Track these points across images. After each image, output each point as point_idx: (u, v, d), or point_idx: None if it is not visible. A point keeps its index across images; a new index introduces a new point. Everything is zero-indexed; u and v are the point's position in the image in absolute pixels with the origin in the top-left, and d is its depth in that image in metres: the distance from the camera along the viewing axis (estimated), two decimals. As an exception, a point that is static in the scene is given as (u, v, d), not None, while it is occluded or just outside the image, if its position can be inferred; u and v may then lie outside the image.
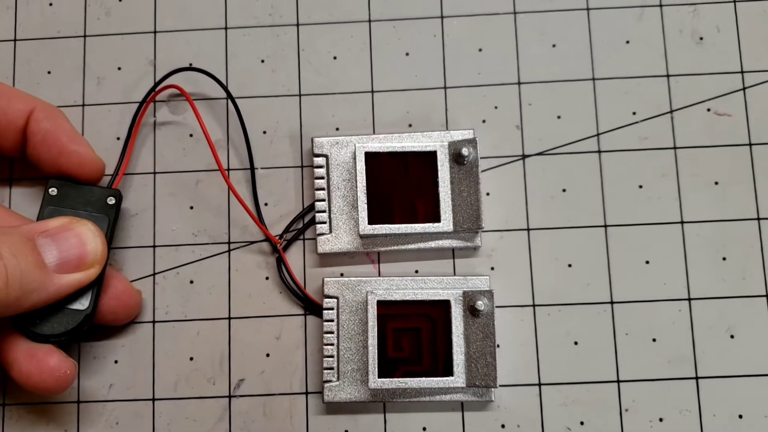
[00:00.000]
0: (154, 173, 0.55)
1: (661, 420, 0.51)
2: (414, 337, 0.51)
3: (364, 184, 0.51)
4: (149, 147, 0.56)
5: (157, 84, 0.55)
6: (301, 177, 0.55)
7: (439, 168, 0.52)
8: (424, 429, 0.52)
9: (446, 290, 0.51)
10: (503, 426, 0.51)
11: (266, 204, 0.55)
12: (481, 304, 0.49)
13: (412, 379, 0.49)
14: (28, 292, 0.44)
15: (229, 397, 0.52)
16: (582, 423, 0.51)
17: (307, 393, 0.52)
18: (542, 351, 0.52)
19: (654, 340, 0.52)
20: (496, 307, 0.52)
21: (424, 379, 0.49)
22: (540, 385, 0.52)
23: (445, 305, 0.51)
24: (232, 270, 0.54)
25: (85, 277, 0.47)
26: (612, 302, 0.53)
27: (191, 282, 0.54)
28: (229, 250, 0.54)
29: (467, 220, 0.51)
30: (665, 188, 0.54)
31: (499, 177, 0.54)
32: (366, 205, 0.51)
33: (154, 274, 0.54)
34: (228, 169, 0.55)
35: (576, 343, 0.52)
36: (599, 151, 0.54)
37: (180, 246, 0.54)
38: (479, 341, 0.50)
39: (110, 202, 0.51)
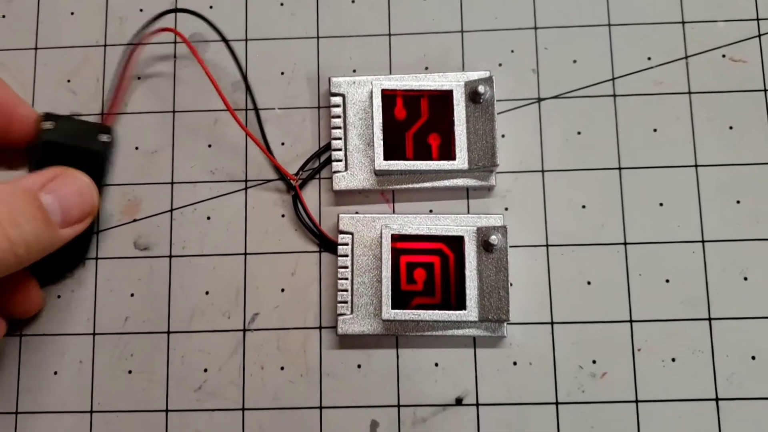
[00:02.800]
0: (174, 112, 0.56)
1: (673, 360, 0.51)
2: (427, 272, 0.51)
3: (381, 121, 0.52)
4: (169, 85, 0.56)
5: (146, 26, 0.55)
6: (318, 118, 0.56)
7: (455, 107, 0.52)
8: (437, 364, 0.52)
9: (460, 227, 0.51)
10: (515, 363, 0.52)
11: (283, 144, 0.55)
12: (494, 239, 0.50)
13: (425, 311, 0.50)
14: (40, 251, 0.46)
15: (244, 330, 0.53)
16: (594, 362, 0.51)
17: (320, 328, 0.53)
18: (555, 290, 0.52)
19: (667, 281, 0.52)
20: (510, 246, 0.53)
21: (436, 311, 0.50)
22: (552, 323, 0.52)
23: (458, 241, 0.51)
24: (249, 207, 0.55)
25: (83, 226, 0.50)
26: (625, 243, 0.53)
27: (208, 218, 0.55)
28: (246, 188, 0.55)
29: (482, 157, 0.51)
30: (679, 132, 0.54)
31: (514, 120, 0.55)
32: (382, 142, 0.52)
33: (171, 210, 0.55)
34: (246, 109, 0.56)
35: (589, 283, 0.52)
36: (614, 95, 0.55)
37: (198, 183, 0.55)
38: (492, 276, 0.50)
39: (103, 139, 0.53)
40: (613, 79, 0.55)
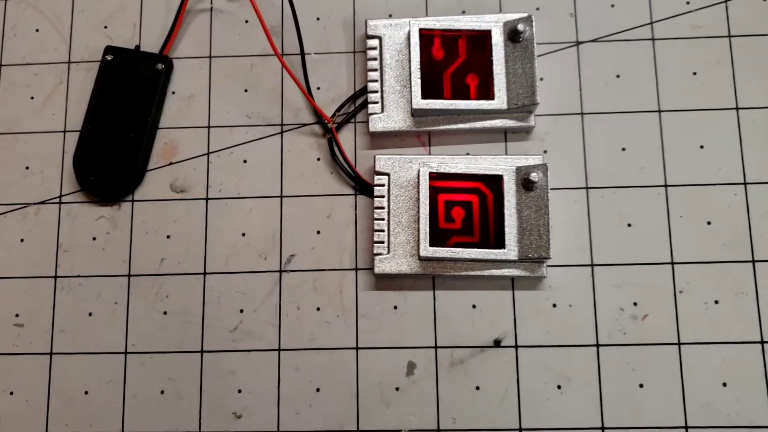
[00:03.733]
0: (210, 57, 0.56)
1: (716, 302, 0.50)
2: (466, 210, 0.50)
3: (418, 60, 0.52)
4: (206, 32, 0.57)
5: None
6: (354, 62, 0.56)
7: (494, 46, 0.52)
8: (474, 306, 0.51)
9: (499, 166, 0.51)
10: (554, 305, 0.51)
11: (318, 88, 0.55)
12: (535, 176, 0.49)
13: (463, 249, 0.49)
14: None
15: (280, 272, 0.53)
16: (635, 304, 0.51)
17: (356, 269, 0.52)
18: (595, 232, 0.52)
19: (709, 223, 0.51)
20: (549, 189, 0.52)
21: (475, 249, 0.49)
22: (593, 265, 0.51)
23: (497, 180, 0.50)
24: (285, 151, 0.54)
25: None
26: (666, 185, 0.52)
27: (245, 161, 0.54)
28: (282, 132, 0.55)
29: (522, 96, 0.51)
30: (720, 76, 0.53)
31: (553, 63, 0.54)
32: (420, 81, 0.51)
33: (208, 153, 0.55)
34: (282, 54, 0.56)
35: (629, 225, 0.52)
36: (653, 39, 0.54)
37: (234, 127, 0.55)
38: (532, 214, 0.49)
39: (159, 68, 0.55)
40: (652, 23, 0.54)
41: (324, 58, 0.56)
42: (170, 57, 0.56)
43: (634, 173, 0.52)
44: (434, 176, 0.50)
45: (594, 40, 0.54)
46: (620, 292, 0.51)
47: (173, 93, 0.56)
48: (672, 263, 0.51)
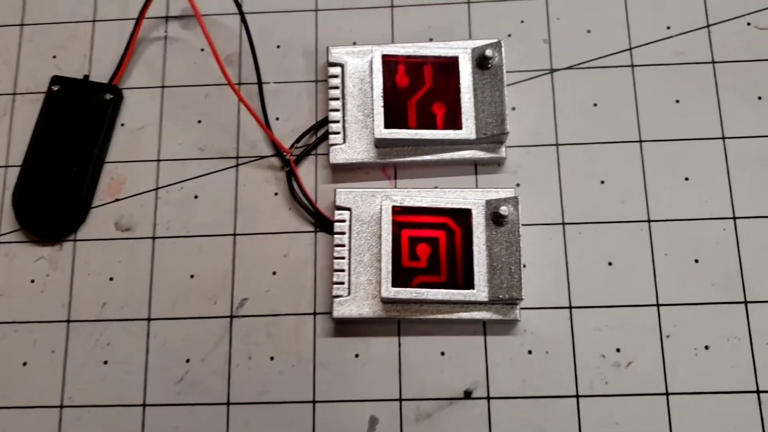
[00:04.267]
0: (162, 87, 0.53)
1: (706, 348, 0.46)
2: (432, 247, 0.46)
3: (381, 87, 0.48)
4: (159, 60, 0.53)
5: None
6: (315, 92, 0.52)
7: (461, 73, 0.49)
8: (443, 353, 0.47)
9: (467, 200, 0.47)
10: (530, 352, 0.47)
11: (277, 119, 0.52)
12: (505, 209, 0.45)
13: (428, 290, 0.45)
14: None
15: (231, 317, 0.48)
16: (618, 350, 0.46)
17: (315, 314, 0.48)
18: (573, 272, 0.48)
19: (696, 261, 0.47)
20: (522, 225, 0.48)
21: (441, 290, 0.45)
22: (571, 308, 0.47)
23: (465, 214, 0.47)
24: (240, 185, 0.51)
25: None
26: (649, 220, 0.48)
27: (196, 197, 0.51)
28: (237, 165, 0.51)
29: (491, 126, 0.48)
30: (704, 103, 0.50)
31: (525, 91, 0.51)
32: (382, 109, 0.48)
33: (156, 189, 0.51)
34: (239, 84, 0.53)
35: (610, 264, 0.48)
36: (632, 65, 0.51)
37: (186, 160, 0.51)
38: (503, 251, 0.45)
39: (108, 98, 0.51)
40: (631, 49, 0.51)
41: (284, 87, 0.52)
42: (120, 87, 0.53)
43: (614, 207, 0.49)
44: (398, 210, 0.47)
45: (569, 68, 0.51)
46: (601, 337, 0.46)
47: (122, 125, 0.52)
48: (657, 305, 0.47)
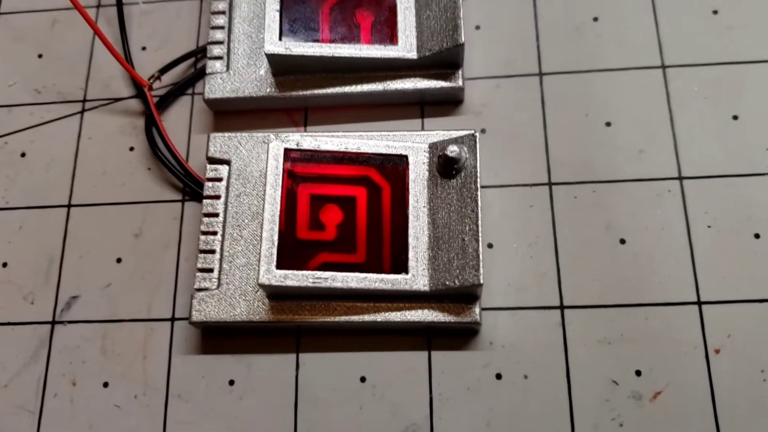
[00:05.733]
0: (-5, 12, 0.39)
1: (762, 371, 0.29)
2: (345, 211, 0.30)
3: (278, -15, 0.33)
4: (-9, -23, 0.39)
5: None
6: (200, 11, 0.37)
7: (396, -36, 0.34)
8: (363, 379, 0.30)
9: (401, 143, 0.31)
10: (499, 376, 0.30)
11: (144, 48, 0.37)
12: (455, 150, 0.29)
13: (336, 273, 0.29)
14: None
15: (53, 323, 0.32)
16: (638, 373, 0.29)
17: (173, 320, 0.32)
18: (565, 252, 0.31)
19: (757, 236, 0.31)
20: (487, 187, 0.32)
21: (356, 274, 0.29)
22: (563, 307, 0.30)
23: (398, 163, 0.31)
24: (84, 137, 0.35)
25: None
26: (680, 177, 0.32)
27: (22, 155, 0.35)
28: (82, 111, 0.36)
29: (439, 37, 0.32)
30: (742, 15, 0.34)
31: (493, 3, 0.36)
32: (278, 14, 0.33)
33: (-33, 144, 0.36)
34: (99, 6, 0.38)
35: (623, 241, 0.31)
36: (648, -36, 0.36)
37: (14, 107, 0.36)
38: (453, 216, 0.29)
39: None
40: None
41: (157, 7, 0.38)
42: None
43: (628, 160, 0.32)
44: (294, 157, 0.31)
45: (557, -32, 0.36)
46: (612, 353, 0.29)
47: (-67, 61, 0.38)
48: (698, 302, 0.30)
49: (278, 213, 0.29)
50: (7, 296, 0.33)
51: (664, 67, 0.34)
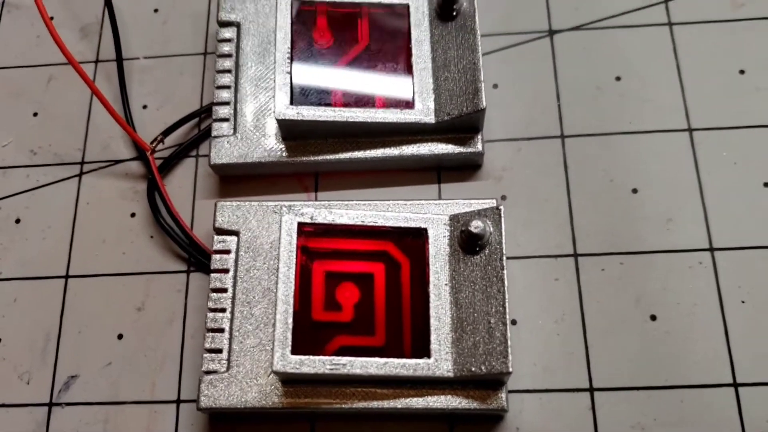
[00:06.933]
0: (-11, 67, 0.37)
1: (823, 458, 0.27)
2: (362, 290, 0.29)
3: (289, 47, 0.32)
4: (-14, 31, 0.37)
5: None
6: (203, 68, 0.36)
7: (413, 26, 0.32)
8: (382, 468, 0.28)
9: (421, 215, 0.30)
10: (527, 465, 0.28)
11: (145, 107, 0.35)
12: (479, 226, 0.28)
13: (354, 359, 0.27)
14: None
15: (50, 405, 0.30)
16: (675, 461, 0.27)
17: (179, 402, 0.30)
18: (593, 329, 0.30)
19: (794, 312, 0.29)
20: (510, 258, 0.30)
21: (376, 359, 0.27)
22: (592, 390, 0.29)
23: (418, 237, 0.29)
24: (82, 203, 0.34)
25: None
26: (712, 249, 0.30)
27: (17, 221, 0.34)
28: (80, 173, 0.34)
29: (459, 101, 0.31)
30: (779, 74, 0.33)
31: (512, 62, 0.34)
32: (289, 77, 0.31)
33: (-42, 209, 0.34)
34: (97, 61, 0.36)
35: (654, 318, 0.30)
36: (669, 24, 0.34)
37: (9, 168, 0.35)
38: (477, 295, 0.28)
39: None
40: (666, 1, 0.35)
41: (158, 63, 0.36)
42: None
43: (657, 229, 0.31)
44: (308, 231, 0.29)
45: (576, 28, 0.35)
46: (646, 440, 0.28)
47: (-77, 120, 0.36)
48: (735, 385, 0.28)
49: (292, 293, 0.28)
50: (0, 375, 0.31)
51: (690, 130, 0.32)
